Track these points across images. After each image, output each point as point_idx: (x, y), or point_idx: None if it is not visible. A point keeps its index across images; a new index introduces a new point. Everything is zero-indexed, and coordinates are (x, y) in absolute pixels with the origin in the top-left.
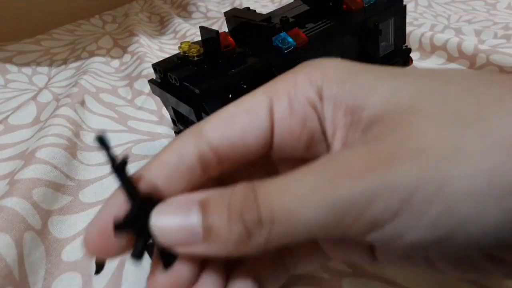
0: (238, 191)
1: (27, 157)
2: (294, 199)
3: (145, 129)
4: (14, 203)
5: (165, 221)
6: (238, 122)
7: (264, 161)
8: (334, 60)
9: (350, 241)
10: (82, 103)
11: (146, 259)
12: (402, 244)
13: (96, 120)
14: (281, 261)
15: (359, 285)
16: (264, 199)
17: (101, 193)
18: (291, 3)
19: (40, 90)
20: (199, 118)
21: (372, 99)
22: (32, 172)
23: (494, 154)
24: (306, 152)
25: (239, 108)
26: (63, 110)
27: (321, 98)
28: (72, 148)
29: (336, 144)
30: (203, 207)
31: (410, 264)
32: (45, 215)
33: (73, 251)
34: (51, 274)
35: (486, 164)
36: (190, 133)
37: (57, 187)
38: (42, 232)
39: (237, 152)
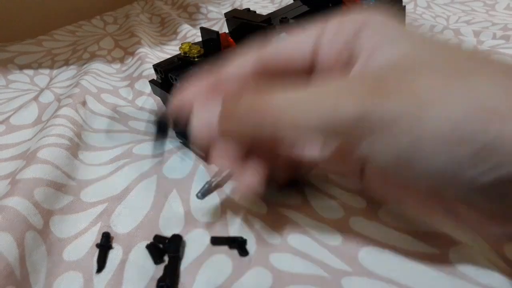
0: (248, 101)
1: (28, 157)
2: (300, 111)
3: (145, 129)
4: (16, 202)
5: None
6: (290, 43)
7: None
8: (379, 15)
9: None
10: (84, 103)
11: (147, 260)
12: (375, 160)
13: (97, 120)
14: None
15: (359, 285)
16: (273, 106)
17: (103, 192)
18: (291, 4)
19: (42, 90)
20: None
21: (389, 53)
22: (33, 172)
23: (465, 111)
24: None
25: (293, 35)
26: (64, 111)
27: (355, 38)
28: (73, 148)
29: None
30: (224, 100)
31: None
32: (47, 214)
33: (75, 251)
34: (53, 274)
35: (455, 115)
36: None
37: (58, 187)
38: (44, 232)
39: (285, 68)
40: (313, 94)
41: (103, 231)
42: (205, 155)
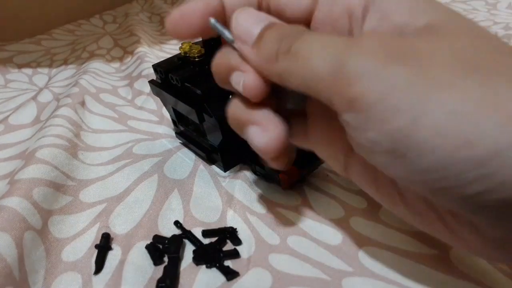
0: (294, 27)
1: (27, 157)
2: (318, 51)
3: (145, 128)
4: (15, 202)
5: (243, 16)
6: None
7: None
8: None
9: (333, 121)
10: (82, 103)
11: (146, 261)
12: (363, 138)
13: (96, 120)
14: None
15: (360, 286)
16: (304, 39)
17: (102, 193)
18: None
19: (41, 90)
20: (201, 119)
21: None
22: (32, 172)
23: (466, 111)
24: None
25: None
26: (63, 110)
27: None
28: (72, 149)
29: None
30: (267, 27)
31: (377, 188)
32: (46, 215)
33: (74, 251)
34: (51, 274)
35: (458, 109)
36: None
37: (57, 187)
38: (43, 232)
39: (286, 11)
40: (333, 39)
41: (102, 231)
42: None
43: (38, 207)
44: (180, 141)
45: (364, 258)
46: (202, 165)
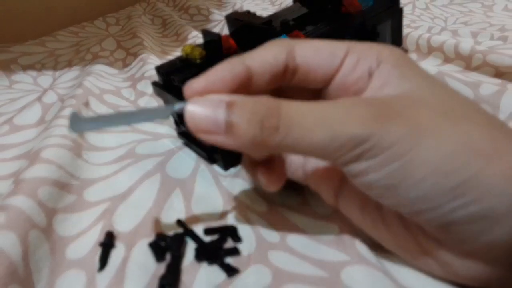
0: (264, 102)
1: (32, 156)
2: (311, 123)
3: (147, 129)
4: (20, 201)
5: (196, 110)
6: (322, 53)
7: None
8: (397, 50)
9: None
10: (86, 104)
11: (149, 258)
12: (363, 179)
13: None
14: None
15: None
16: (287, 113)
17: (106, 191)
18: (291, 6)
19: (45, 91)
20: None
21: (404, 87)
22: (37, 171)
23: (455, 146)
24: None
25: (324, 44)
26: (67, 111)
27: (377, 66)
28: (76, 149)
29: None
30: (230, 106)
31: (365, 216)
32: (50, 213)
33: (77, 249)
34: (55, 272)
35: (446, 148)
36: (282, 45)
37: (62, 186)
38: (47, 230)
39: (310, 74)
40: (322, 109)
41: (106, 229)
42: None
43: (43, 206)
44: (182, 141)
45: (361, 246)
46: (203, 165)
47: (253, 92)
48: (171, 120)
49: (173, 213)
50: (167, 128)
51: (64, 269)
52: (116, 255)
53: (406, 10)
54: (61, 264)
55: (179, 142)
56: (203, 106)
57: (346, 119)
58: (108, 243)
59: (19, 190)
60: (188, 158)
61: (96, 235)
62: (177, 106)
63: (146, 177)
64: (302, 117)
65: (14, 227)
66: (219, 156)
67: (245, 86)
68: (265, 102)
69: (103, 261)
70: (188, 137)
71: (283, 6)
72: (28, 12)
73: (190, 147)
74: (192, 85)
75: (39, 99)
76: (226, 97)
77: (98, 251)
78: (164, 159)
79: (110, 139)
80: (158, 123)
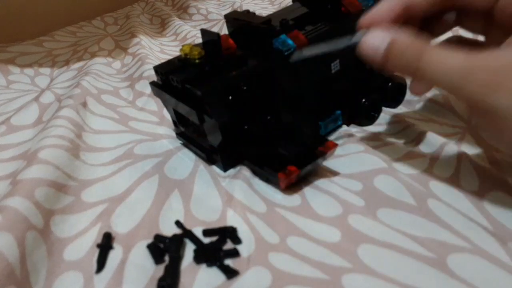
0: (416, 44)
1: (29, 157)
2: (441, 67)
3: (146, 129)
4: (17, 202)
5: (368, 41)
6: None
7: None
8: None
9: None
10: (84, 104)
11: (147, 260)
12: None
13: (98, 121)
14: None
15: (360, 283)
16: (426, 60)
17: (104, 192)
18: (290, 6)
19: (42, 91)
20: (201, 120)
21: None
22: (34, 172)
23: None
24: None
25: None
26: (65, 111)
27: None
28: (74, 149)
29: None
30: (391, 43)
31: None
32: (47, 214)
33: (75, 250)
34: (53, 273)
35: None
36: None
37: (59, 187)
38: (44, 232)
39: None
40: (467, 70)
41: (103, 231)
42: None
43: (40, 207)
44: (181, 142)
45: (363, 254)
46: (202, 165)
47: (418, 15)
48: (169, 121)
49: (172, 214)
50: (166, 129)
51: (62, 271)
52: (114, 256)
53: None
54: (59, 266)
55: (177, 142)
56: (374, 37)
57: (474, 68)
58: (106, 244)
59: (16, 191)
60: (187, 159)
61: (93, 237)
62: (355, 38)
63: (145, 178)
64: (437, 65)
65: (11, 228)
66: (218, 156)
67: (407, 11)
68: (410, 44)
69: (101, 262)
70: (187, 138)
71: (283, 5)
72: (25, 12)
73: (189, 148)
74: (366, 18)
75: (36, 99)
76: (388, 36)
77: (96, 252)
78: (162, 160)
79: (108, 140)
80: (156, 124)
